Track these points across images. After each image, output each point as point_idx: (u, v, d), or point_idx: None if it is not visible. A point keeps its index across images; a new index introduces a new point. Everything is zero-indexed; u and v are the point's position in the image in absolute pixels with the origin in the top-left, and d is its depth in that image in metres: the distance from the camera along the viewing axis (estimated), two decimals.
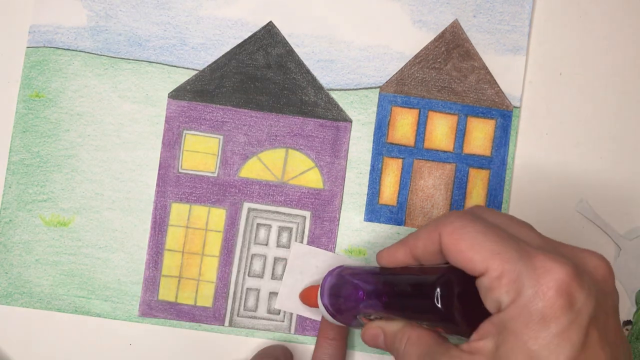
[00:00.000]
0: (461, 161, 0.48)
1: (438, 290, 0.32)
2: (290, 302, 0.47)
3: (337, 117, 0.48)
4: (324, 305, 0.41)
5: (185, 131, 0.48)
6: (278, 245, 0.47)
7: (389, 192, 0.48)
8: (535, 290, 0.30)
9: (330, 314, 0.41)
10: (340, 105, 0.48)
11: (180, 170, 0.48)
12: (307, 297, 0.44)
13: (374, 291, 0.37)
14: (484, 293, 0.32)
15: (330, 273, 0.42)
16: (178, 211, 0.47)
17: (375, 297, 0.37)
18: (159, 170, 0.47)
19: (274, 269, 0.47)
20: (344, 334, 0.45)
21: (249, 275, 0.47)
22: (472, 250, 0.32)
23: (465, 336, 0.33)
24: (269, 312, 0.47)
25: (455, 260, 0.33)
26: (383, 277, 0.37)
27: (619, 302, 0.33)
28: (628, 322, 0.48)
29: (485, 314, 0.32)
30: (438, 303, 0.32)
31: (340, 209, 0.48)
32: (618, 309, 0.32)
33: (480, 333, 0.31)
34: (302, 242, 0.47)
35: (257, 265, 0.47)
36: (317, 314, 0.46)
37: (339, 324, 0.42)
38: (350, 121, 0.48)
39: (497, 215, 0.35)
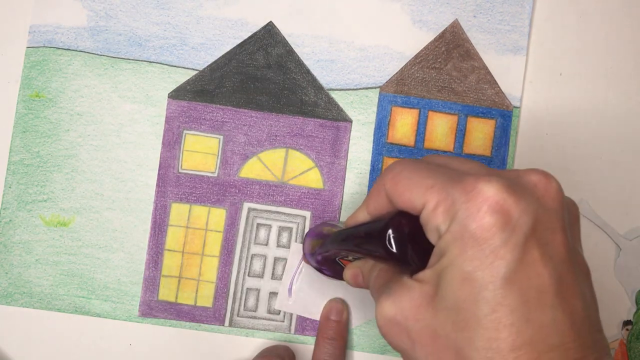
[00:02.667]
0: None
1: (389, 233, 0.33)
2: (289, 303, 0.47)
3: (337, 117, 0.48)
4: (306, 253, 0.44)
5: (185, 131, 0.48)
6: (278, 245, 0.47)
7: None
8: (467, 212, 0.29)
9: (314, 262, 0.43)
10: (340, 105, 0.48)
11: (180, 170, 0.48)
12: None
13: (335, 244, 0.40)
14: (425, 227, 0.32)
15: (310, 231, 0.44)
16: (178, 211, 0.47)
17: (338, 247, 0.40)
18: (159, 170, 0.47)
19: (274, 269, 0.47)
20: (343, 333, 0.45)
21: (249, 275, 0.47)
22: (409, 190, 0.32)
23: None
24: (269, 312, 0.47)
25: (399, 203, 0.33)
26: (345, 232, 0.39)
27: (573, 219, 0.32)
28: (628, 322, 0.48)
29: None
30: (391, 247, 0.33)
31: (341, 209, 0.48)
32: (568, 226, 0.31)
33: (428, 264, 0.32)
34: (302, 242, 0.47)
35: (257, 265, 0.47)
36: (317, 314, 0.46)
37: (326, 273, 0.43)
38: (350, 121, 0.48)
39: (443, 157, 0.35)
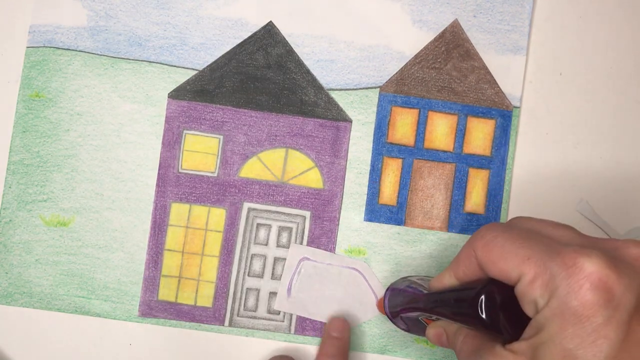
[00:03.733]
0: (461, 161, 0.48)
1: (481, 300, 0.33)
2: (289, 303, 0.47)
3: (337, 117, 0.48)
4: (386, 309, 0.44)
5: (185, 131, 0.48)
6: (278, 245, 0.47)
7: (388, 192, 0.48)
8: (568, 288, 0.29)
9: (393, 317, 0.44)
10: (340, 105, 0.48)
11: (180, 170, 0.48)
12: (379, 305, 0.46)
13: (423, 307, 0.40)
14: (521, 299, 0.31)
15: (392, 288, 0.44)
16: (178, 211, 0.47)
17: (427, 311, 0.40)
18: (159, 170, 0.47)
19: (274, 269, 0.47)
20: (344, 350, 0.45)
21: (249, 275, 0.47)
22: (503, 259, 0.32)
23: None
24: (269, 312, 0.47)
25: (491, 272, 0.33)
26: (434, 296, 0.39)
27: None
28: None
29: (529, 320, 0.32)
30: (482, 314, 0.33)
31: (340, 208, 0.48)
32: None
33: (523, 335, 0.31)
34: (302, 242, 0.47)
35: (257, 265, 0.47)
36: (316, 314, 0.46)
37: (401, 327, 0.44)
38: (350, 121, 0.48)
39: (533, 220, 0.34)
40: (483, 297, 0.33)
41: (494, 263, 0.32)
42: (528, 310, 0.31)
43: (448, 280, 0.37)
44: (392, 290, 0.43)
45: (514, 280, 0.31)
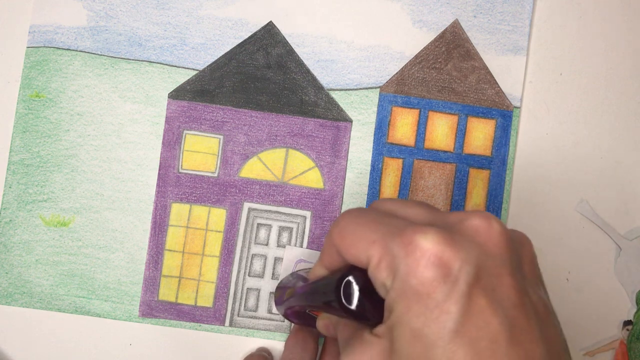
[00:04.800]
0: (461, 161, 0.48)
1: (342, 286, 0.33)
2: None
3: (337, 117, 0.48)
4: (276, 304, 0.44)
5: (185, 131, 0.48)
6: (278, 245, 0.47)
7: (389, 192, 0.48)
8: (407, 268, 0.29)
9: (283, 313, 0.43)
10: (341, 105, 0.48)
11: (180, 170, 0.48)
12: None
13: (298, 302, 0.40)
14: (374, 283, 0.31)
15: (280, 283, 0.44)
16: (178, 211, 0.47)
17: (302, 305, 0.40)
18: (159, 170, 0.47)
19: (274, 269, 0.47)
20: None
21: (249, 275, 0.47)
22: (354, 245, 0.32)
23: None
24: (269, 312, 0.47)
25: (347, 258, 0.32)
26: (306, 288, 0.39)
27: (526, 257, 0.31)
28: (628, 322, 0.48)
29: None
30: (343, 300, 0.32)
31: (341, 209, 0.48)
32: (518, 267, 0.30)
33: (384, 319, 0.31)
34: (302, 242, 0.47)
35: (257, 265, 0.47)
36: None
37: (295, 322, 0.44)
38: (351, 121, 0.48)
39: (390, 202, 0.34)
40: (343, 283, 0.33)
41: (347, 249, 0.32)
42: (380, 292, 0.31)
43: (319, 271, 0.37)
44: (278, 289, 0.43)
45: (365, 264, 0.31)
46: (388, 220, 0.31)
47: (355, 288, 0.32)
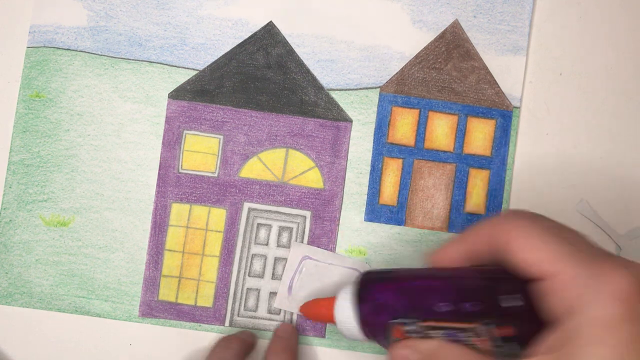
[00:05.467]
0: (461, 161, 0.48)
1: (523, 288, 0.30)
2: (289, 301, 0.47)
3: (337, 117, 0.48)
4: (356, 317, 0.34)
5: (185, 131, 0.48)
6: (278, 245, 0.47)
7: (389, 192, 0.48)
8: (602, 300, 0.28)
9: (359, 328, 0.35)
10: (341, 105, 0.48)
11: (180, 170, 0.48)
12: (314, 311, 0.40)
13: (422, 297, 0.32)
14: (543, 298, 0.29)
15: (357, 283, 0.36)
16: (178, 211, 0.47)
17: (425, 304, 0.32)
18: (159, 170, 0.47)
19: (274, 269, 0.47)
20: (292, 349, 0.44)
21: (249, 275, 0.47)
22: (537, 249, 0.30)
23: (520, 342, 0.30)
24: (269, 312, 0.47)
25: (514, 260, 0.30)
26: (434, 281, 0.33)
27: None
28: None
29: (533, 320, 0.30)
30: (514, 305, 0.30)
31: (341, 209, 0.48)
32: None
33: (544, 345, 0.29)
34: (302, 242, 0.47)
35: (257, 265, 0.47)
36: None
37: (359, 338, 0.36)
38: (351, 121, 0.48)
39: (549, 219, 0.32)
40: (512, 285, 0.30)
41: (523, 250, 0.30)
42: (547, 311, 0.29)
43: (457, 255, 0.34)
44: (378, 286, 0.34)
45: (539, 275, 0.29)
46: (581, 239, 0.30)
47: (518, 296, 0.30)
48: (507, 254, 0.31)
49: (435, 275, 0.33)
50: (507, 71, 0.48)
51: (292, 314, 0.47)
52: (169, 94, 0.48)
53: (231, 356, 0.43)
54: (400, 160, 0.48)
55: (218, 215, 0.47)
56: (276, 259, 0.47)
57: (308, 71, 0.48)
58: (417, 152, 0.48)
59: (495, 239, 0.31)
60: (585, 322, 0.28)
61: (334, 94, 0.48)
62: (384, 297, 0.33)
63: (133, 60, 0.48)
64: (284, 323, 0.46)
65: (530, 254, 0.30)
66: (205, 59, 0.48)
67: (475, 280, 0.31)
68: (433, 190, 0.48)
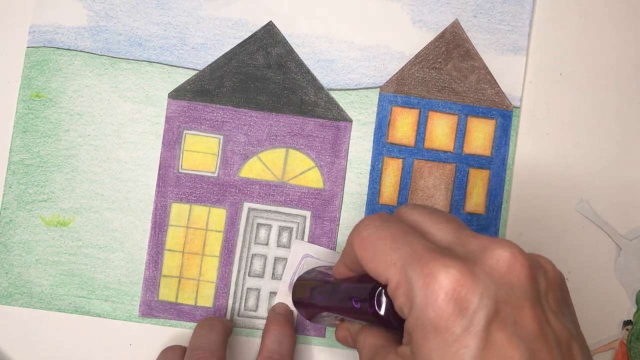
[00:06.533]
0: (461, 161, 0.48)
1: (377, 293, 0.33)
2: (289, 299, 0.47)
3: (337, 117, 0.48)
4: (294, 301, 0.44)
5: (185, 131, 0.48)
6: (278, 245, 0.47)
7: (389, 192, 0.48)
8: (425, 300, 0.28)
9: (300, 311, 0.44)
10: (341, 105, 0.48)
11: (180, 170, 0.48)
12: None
13: (322, 305, 0.40)
14: (393, 302, 0.31)
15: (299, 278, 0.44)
16: (178, 211, 0.47)
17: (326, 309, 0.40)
18: (159, 170, 0.47)
19: (274, 268, 0.47)
20: (290, 323, 0.46)
21: (249, 275, 0.47)
22: (374, 261, 0.32)
23: None
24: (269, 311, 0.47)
25: (367, 270, 0.33)
26: (330, 290, 0.39)
27: (551, 285, 0.31)
28: (628, 322, 0.48)
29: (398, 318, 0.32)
30: (378, 308, 0.33)
31: (341, 209, 0.48)
32: (543, 296, 0.30)
33: (404, 340, 0.31)
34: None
35: (257, 265, 0.47)
36: None
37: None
38: (351, 121, 0.48)
39: (417, 213, 0.34)
40: (377, 292, 0.33)
41: (367, 262, 0.32)
42: (400, 314, 0.31)
43: (342, 270, 0.37)
44: (299, 283, 0.43)
45: (383, 282, 0.32)
46: (410, 238, 0.31)
47: (384, 299, 0.33)
48: (363, 267, 0.33)
49: (331, 288, 0.40)
50: (507, 71, 0.48)
51: (292, 313, 0.47)
52: (169, 94, 0.48)
53: (216, 337, 0.43)
54: (400, 160, 0.48)
55: (218, 215, 0.47)
56: (276, 259, 0.47)
57: (308, 71, 0.48)
58: (417, 152, 0.48)
59: (353, 253, 0.34)
60: (412, 323, 0.29)
61: (333, 94, 0.48)
62: (307, 303, 0.42)
63: (133, 60, 0.48)
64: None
65: (369, 265, 0.32)
66: (205, 59, 0.48)
67: (346, 287, 0.37)
68: (433, 190, 0.48)
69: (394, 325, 0.33)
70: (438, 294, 0.28)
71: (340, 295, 0.37)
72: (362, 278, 0.35)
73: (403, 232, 0.32)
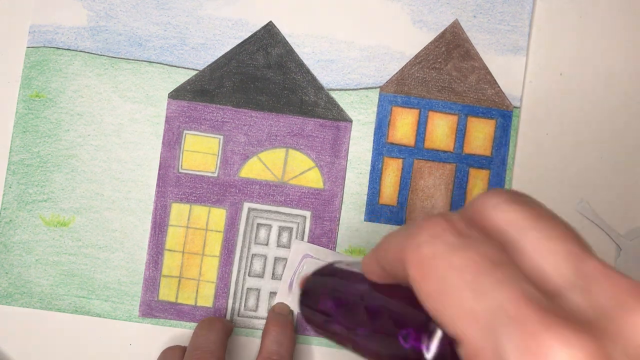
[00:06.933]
0: (461, 161, 0.48)
1: (435, 331, 0.23)
2: (289, 298, 0.47)
3: (337, 117, 0.48)
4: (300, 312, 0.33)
5: (185, 131, 0.48)
6: (278, 245, 0.47)
7: (389, 192, 0.48)
8: None
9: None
10: (341, 105, 0.48)
11: (180, 170, 0.48)
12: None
13: (344, 311, 0.29)
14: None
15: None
16: (178, 211, 0.47)
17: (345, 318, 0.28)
18: (159, 170, 0.47)
19: (274, 268, 0.47)
20: (290, 324, 0.45)
21: (249, 275, 0.47)
22: (441, 302, 0.21)
23: None
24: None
25: (424, 304, 0.22)
26: (356, 299, 0.28)
27: None
28: None
29: None
30: (427, 352, 0.22)
31: (341, 209, 0.48)
32: None
33: None
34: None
35: (257, 265, 0.47)
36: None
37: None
38: (351, 121, 0.48)
39: (511, 211, 0.23)
40: (439, 329, 0.22)
41: (428, 298, 0.21)
42: None
43: (377, 269, 0.26)
44: (309, 293, 0.31)
45: (450, 332, 0.21)
46: (504, 276, 0.20)
47: (438, 338, 0.22)
48: (418, 296, 0.22)
49: (354, 295, 0.28)
50: (507, 71, 0.48)
51: (292, 311, 0.47)
52: (169, 94, 0.48)
53: (216, 338, 0.43)
54: (400, 160, 0.48)
55: (218, 215, 0.47)
56: (276, 259, 0.47)
57: (308, 71, 0.48)
58: (417, 152, 0.48)
59: (401, 268, 0.23)
60: None
61: (334, 94, 0.48)
62: (320, 307, 0.30)
63: (133, 60, 0.48)
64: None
65: (431, 303, 0.21)
66: (205, 59, 0.48)
67: (383, 311, 0.26)
68: (433, 190, 0.48)
69: None
70: None
71: (376, 314, 0.26)
72: (409, 296, 0.23)
73: (492, 264, 0.21)
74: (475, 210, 0.23)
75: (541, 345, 0.18)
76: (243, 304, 0.47)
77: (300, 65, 0.48)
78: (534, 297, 0.20)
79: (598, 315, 0.20)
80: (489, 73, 0.48)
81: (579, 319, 0.19)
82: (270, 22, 0.48)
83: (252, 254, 0.47)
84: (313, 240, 0.47)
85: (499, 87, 0.48)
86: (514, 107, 0.48)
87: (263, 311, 0.47)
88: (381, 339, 0.25)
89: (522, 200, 0.23)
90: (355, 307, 0.27)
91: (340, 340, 0.29)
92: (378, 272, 0.26)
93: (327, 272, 0.31)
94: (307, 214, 0.48)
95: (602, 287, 0.20)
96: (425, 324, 0.23)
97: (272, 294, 0.47)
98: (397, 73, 0.48)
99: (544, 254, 0.21)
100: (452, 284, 0.21)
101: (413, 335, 0.23)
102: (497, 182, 0.48)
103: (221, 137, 0.48)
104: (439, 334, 0.22)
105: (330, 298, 0.29)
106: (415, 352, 0.23)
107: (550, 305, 0.20)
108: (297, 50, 0.48)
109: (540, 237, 0.22)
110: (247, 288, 0.47)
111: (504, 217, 0.22)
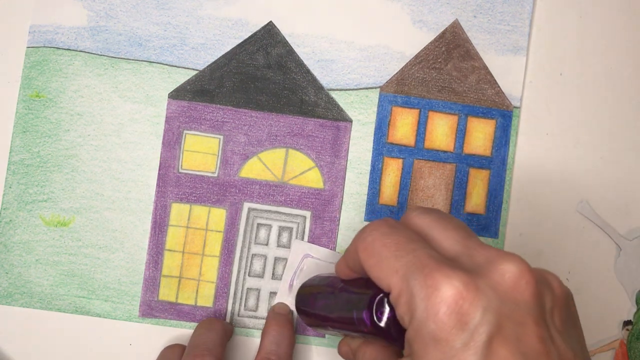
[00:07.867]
0: (461, 161, 0.48)
1: (376, 303, 0.32)
2: (289, 299, 0.47)
3: (337, 117, 0.48)
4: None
5: (185, 131, 0.48)
6: (278, 245, 0.47)
7: (389, 192, 0.48)
8: (426, 311, 0.28)
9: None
10: (341, 105, 0.48)
11: (180, 170, 0.48)
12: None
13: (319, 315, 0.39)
14: (395, 311, 0.31)
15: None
16: (178, 211, 0.47)
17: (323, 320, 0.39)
18: (159, 170, 0.47)
19: (274, 268, 0.47)
20: (290, 324, 0.46)
21: (249, 275, 0.47)
22: (377, 267, 0.31)
23: None
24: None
25: (370, 276, 0.32)
26: (330, 297, 0.38)
27: (557, 301, 0.30)
28: (628, 322, 0.48)
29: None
30: (380, 322, 0.32)
31: (341, 209, 0.48)
32: (544, 315, 0.29)
33: (404, 351, 0.31)
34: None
35: (257, 265, 0.47)
36: None
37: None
38: (351, 121, 0.48)
39: (425, 219, 0.33)
40: (377, 300, 0.32)
41: (370, 269, 0.32)
42: (401, 323, 0.31)
43: (343, 269, 0.36)
44: (304, 291, 0.42)
45: (386, 290, 0.31)
46: (415, 246, 0.30)
47: (386, 308, 0.32)
48: (366, 272, 0.33)
49: (331, 291, 0.39)
50: (507, 71, 0.48)
51: (292, 311, 0.47)
52: (169, 94, 0.48)
53: (215, 337, 0.43)
54: (400, 160, 0.48)
55: (218, 215, 0.47)
56: (276, 259, 0.47)
57: (308, 71, 0.48)
58: (417, 152, 0.48)
59: (357, 257, 0.33)
60: (413, 334, 0.29)
61: (334, 94, 0.48)
62: (309, 311, 0.41)
63: (133, 60, 0.48)
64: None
65: (372, 271, 0.32)
66: (205, 59, 0.48)
67: (350, 295, 0.36)
68: (433, 190, 0.48)
69: (394, 336, 0.32)
70: (440, 306, 0.28)
71: (341, 303, 0.36)
72: (365, 283, 0.34)
73: (408, 240, 0.31)
74: (404, 217, 0.34)
75: (434, 280, 0.28)
76: (243, 304, 0.47)
77: (300, 65, 0.48)
78: (434, 255, 0.30)
79: (475, 267, 0.29)
80: (489, 73, 0.48)
81: (462, 268, 0.29)
82: (270, 22, 0.48)
83: (252, 254, 0.47)
84: (313, 240, 0.47)
85: (499, 87, 0.48)
86: (514, 107, 0.48)
87: (263, 311, 0.47)
88: (348, 311, 0.35)
89: (432, 210, 0.34)
90: (331, 295, 0.38)
91: (324, 324, 0.39)
92: (346, 271, 0.36)
93: (313, 280, 0.42)
94: (307, 214, 0.48)
95: (480, 254, 0.30)
96: (375, 296, 0.32)
97: (272, 294, 0.47)
98: (397, 73, 0.48)
99: (443, 239, 0.32)
100: (384, 256, 0.31)
101: (369, 309, 0.33)
102: (497, 182, 0.48)
103: (221, 137, 0.48)
104: (387, 308, 0.32)
105: (316, 293, 0.40)
106: (371, 318, 0.32)
107: (445, 260, 0.30)
108: (297, 50, 0.48)
109: (441, 230, 0.32)
110: (247, 288, 0.47)
111: (421, 220, 0.33)
